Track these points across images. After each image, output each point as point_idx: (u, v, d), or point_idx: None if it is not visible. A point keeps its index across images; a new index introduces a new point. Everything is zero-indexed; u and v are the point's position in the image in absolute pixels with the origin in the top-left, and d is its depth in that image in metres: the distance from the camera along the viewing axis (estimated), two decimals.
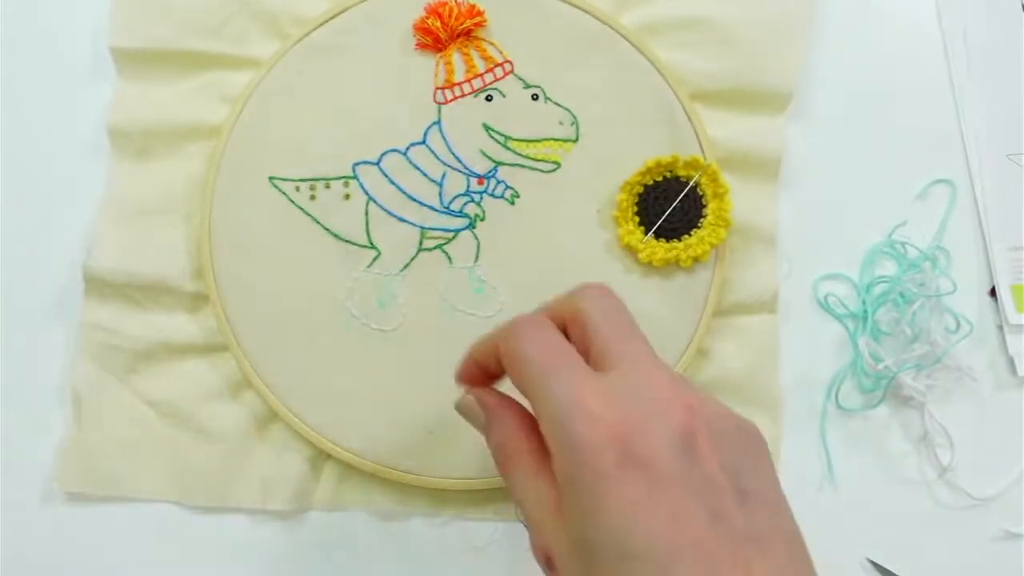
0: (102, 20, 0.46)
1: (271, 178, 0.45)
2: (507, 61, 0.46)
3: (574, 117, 0.45)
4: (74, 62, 0.48)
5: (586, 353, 0.31)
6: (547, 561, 0.30)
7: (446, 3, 0.45)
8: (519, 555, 0.43)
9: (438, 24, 0.45)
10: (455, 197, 0.45)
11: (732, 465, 0.28)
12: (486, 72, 0.45)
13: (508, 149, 0.45)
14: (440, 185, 0.45)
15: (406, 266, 0.44)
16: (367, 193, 0.45)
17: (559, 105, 0.45)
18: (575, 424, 0.28)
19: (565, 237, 0.45)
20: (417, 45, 0.46)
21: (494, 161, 0.45)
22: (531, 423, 0.32)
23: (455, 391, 0.43)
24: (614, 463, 0.27)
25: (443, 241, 0.45)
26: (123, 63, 0.46)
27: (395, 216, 0.45)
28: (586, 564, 0.28)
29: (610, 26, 0.46)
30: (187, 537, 0.43)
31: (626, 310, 0.32)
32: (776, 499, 0.29)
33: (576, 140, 0.45)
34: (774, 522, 0.28)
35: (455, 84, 0.45)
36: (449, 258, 0.45)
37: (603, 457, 0.27)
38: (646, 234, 0.44)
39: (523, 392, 0.30)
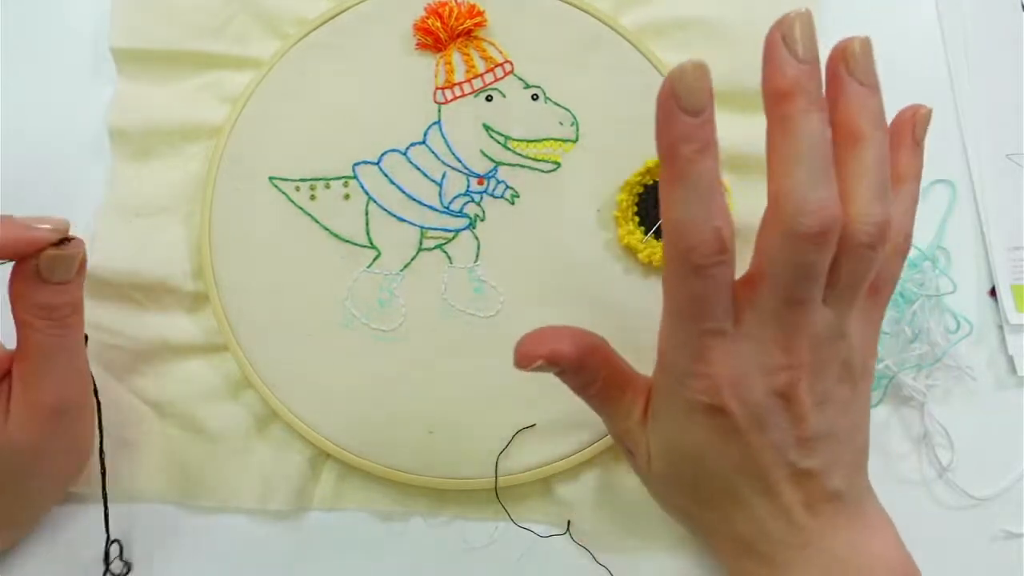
0: (103, 21, 0.46)
1: (271, 178, 0.45)
2: (507, 61, 0.46)
3: (574, 117, 0.45)
4: (75, 62, 0.48)
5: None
6: (627, 450, 0.37)
7: (446, 3, 0.45)
8: (519, 555, 0.43)
9: (438, 24, 0.45)
10: (455, 197, 0.45)
11: (822, 413, 0.33)
12: (486, 72, 0.46)
13: (508, 149, 0.45)
14: (440, 185, 0.45)
15: (406, 266, 0.45)
16: (367, 193, 0.45)
17: (559, 105, 0.45)
18: (688, 379, 0.32)
19: (565, 237, 0.45)
20: (417, 45, 0.46)
21: (494, 161, 0.45)
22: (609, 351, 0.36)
23: (455, 391, 0.43)
24: (704, 406, 0.32)
25: (443, 241, 0.45)
26: (124, 63, 0.47)
27: (395, 216, 0.45)
28: (672, 470, 0.35)
29: (610, 26, 0.46)
30: (187, 537, 0.43)
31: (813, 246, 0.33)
32: (843, 432, 0.34)
33: (576, 140, 0.45)
34: (835, 453, 0.34)
35: (455, 84, 0.45)
36: (449, 258, 0.45)
37: (698, 399, 0.32)
38: (646, 234, 0.44)
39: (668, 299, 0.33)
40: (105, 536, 0.41)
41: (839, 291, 0.32)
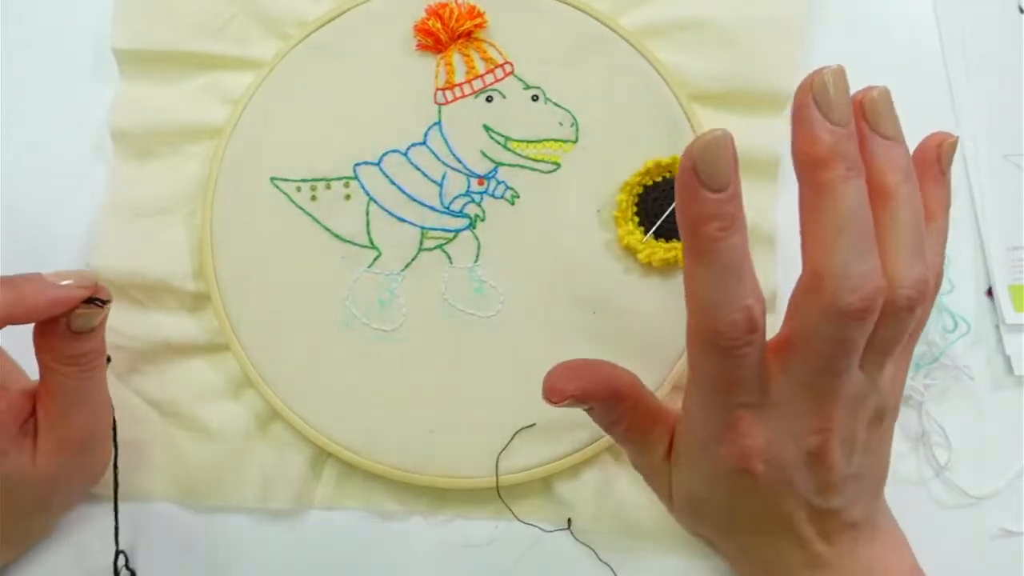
0: (105, 22, 0.46)
1: (272, 179, 0.45)
2: (507, 62, 0.46)
3: (574, 118, 0.45)
4: (77, 63, 0.48)
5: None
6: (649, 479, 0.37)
7: (446, 4, 0.45)
8: (520, 554, 0.43)
9: (438, 25, 0.45)
10: (455, 197, 0.45)
11: (850, 459, 0.32)
12: (486, 73, 0.46)
13: (508, 150, 0.45)
14: (440, 185, 0.45)
15: (407, 266, 0.45)
16: (368, 193, 0.45)
17: (559, 106, 0.46)
18: (716, 446, 0.32)
19: (565, 237, 0.45)
20: (418, 46, 0.46)
21: (494, 162, 0.45)
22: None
23: (456, 391, 0.44)
24: (735, 468, 0.31)
25: (443, 241, 0.45)
26: (126, 64, 0.47)
27: (396, 216, 0.45)
28: (694, 508, 0.36)
29: (609, 27, 0.46)
30: (187, 537, 0.43)
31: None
32: (866, 470, 0.33)
33: (576, 141, 0.45)
34: (857, 491, 0.33)
35: (455, 85, 0.46)
36: (449, 258, 0.45)
37: (728, 463, 0.31)
38: (646, 234, 0.44)
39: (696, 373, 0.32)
40: (115, 547, 0.42)
41: (876, 353, 0.30)
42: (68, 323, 0.34)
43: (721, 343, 0.29)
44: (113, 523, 0.42)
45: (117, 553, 0.41)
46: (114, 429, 0.40)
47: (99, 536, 0.43)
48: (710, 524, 0.37)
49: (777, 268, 0.46)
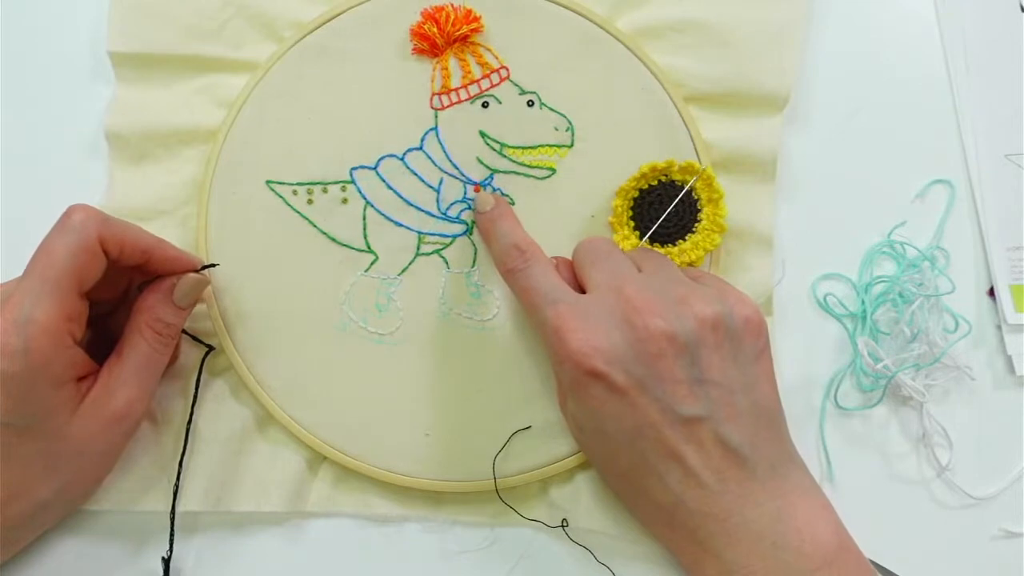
0: (100, 24, 0.46)
1: (268, 182, 0.45)
2: (503, 67, 0.46)
3: (569, 123, 0.45)
4: (72, 66, 0.48)
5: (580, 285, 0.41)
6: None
7: (443, 8, 0.45)
8: (516, 558, 0.43)
9: (434, 30, 0.45)
10: (452, 203, 0.45)
11: (694, 358, 0.37)
12: (482, 78, 0.45)
13: (504, 156, 0.45)
14: (437, 191, 0.45)
15: (404, 270, 0.45)
16: (365, 198, 0.45)
17: (554, 111, 0.45)
18: (556, 346, 0.38)
19: (560, 243, 0.44)
20: (414, 50, 0.46)
21: (490, 169, 0.45)
22: None
23: (452, 394, 0.43)
24: (583, 374, 0.37)
25: (441, 246, 0.45)
26: (121, 67, 0.47)
27: (393, 221, 0.45)
28: (579, 439, 0.41)
29: (605, 30, 0.46)
30: (185, 543, 0.43)
31: (606, 243, 0.42)
32: (734, 383, 0.37)
33: (571, 145, 0.45)
34: (725, 401, 0.37)
35: (452, 90, 0.45)
36: (446, 263, 0.45)
37: (575, 372, 0.37)
38: (641, 239, 0.44)
39: (527, 310, 0.41)
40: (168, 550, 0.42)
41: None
42: (174, 288, 0.40)
43: (505, 266, 0.41)
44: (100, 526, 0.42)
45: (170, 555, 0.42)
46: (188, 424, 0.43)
47: (85, 538, 0.43)
48: (599, 456, 0.40)
49: (773, 270, 0.46)
